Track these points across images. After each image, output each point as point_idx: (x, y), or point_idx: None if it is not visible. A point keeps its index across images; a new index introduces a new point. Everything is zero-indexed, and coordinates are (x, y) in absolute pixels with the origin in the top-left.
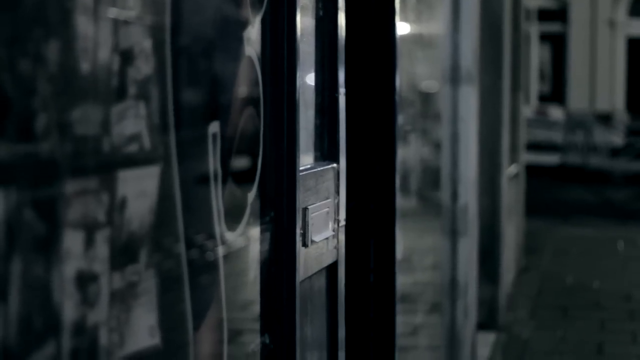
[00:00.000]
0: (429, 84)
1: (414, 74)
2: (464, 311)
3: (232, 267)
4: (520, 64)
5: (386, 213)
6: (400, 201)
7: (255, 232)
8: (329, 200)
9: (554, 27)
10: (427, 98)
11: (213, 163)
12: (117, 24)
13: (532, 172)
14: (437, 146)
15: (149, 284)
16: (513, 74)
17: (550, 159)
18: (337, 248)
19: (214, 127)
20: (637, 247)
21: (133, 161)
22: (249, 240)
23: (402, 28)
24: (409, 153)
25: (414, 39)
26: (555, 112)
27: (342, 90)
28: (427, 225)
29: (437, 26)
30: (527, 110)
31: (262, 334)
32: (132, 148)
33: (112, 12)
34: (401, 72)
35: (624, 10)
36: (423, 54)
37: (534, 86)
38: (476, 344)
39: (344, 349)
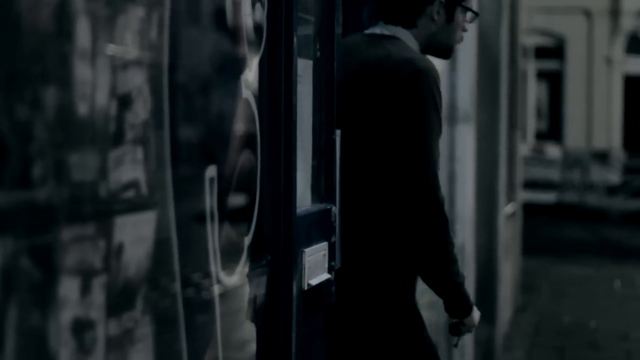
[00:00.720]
0: None
1: None
2: (460, 352)
3: (229, 309)
4: (517, 102)
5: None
6: None
7: (252, 274)
8: (325, 242)
9: (551, 65)
10: None
11: (210, 207)
12: (114, 68)
13: (529, 210)
14: None
15: (145, 330)
16: (510, 112)
17: (547, 197)
18: (334, 291)
19: (211, 171)
20: (635, 286)
21: (130, 206)
22: (245, 283)
23: None
24: None
25: None
26: (552, 150)
27: (338, 132)
28: None
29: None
30: (524, 148)
31: None
32: (129, 193)
33: (110, 56)
34: None
35: (620, 48)
36: None
37: (531, 124)
38: None
39: None
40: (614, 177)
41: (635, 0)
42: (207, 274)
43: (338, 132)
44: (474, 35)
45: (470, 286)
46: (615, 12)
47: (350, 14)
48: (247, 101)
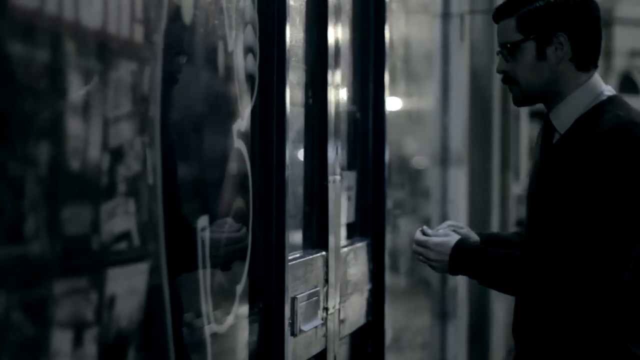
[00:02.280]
0: (419, 160)
1: (404, 150)
2: None
3: (222, 357)
4: (509, 143)
5: (377, 296)
6: (390, 281)
7: (244, 322)
8: (317, 288)
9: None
10: (417, 175)
11: (202, 256)
12: (107, 122)
13: None
14: (426, 223)
15: None
16: (503, 153)
17: None
18: (325, 336)
19: (203, 221)
20: None
21: (122, 258)
22: (237, 331)
23: (393, 103)
24: (399, 234)
25: (405, 115)
26: None
27: (331, 178)
28: (417, 305)
29: (426, 102)
30: (517, 188)
31: None
32: (122, 245)
33: (102, 111)
34: (391, 148)
35: (612, 87)
36: (413, 130)
37: (524, 163)
38: None
39: None
40: None
41: (627, 40)
42: (199, 324)
43: (331, 178)
44: (466, 77)
45: (463, 328)
46: (607, 53)
47: None
48: (239, 150)
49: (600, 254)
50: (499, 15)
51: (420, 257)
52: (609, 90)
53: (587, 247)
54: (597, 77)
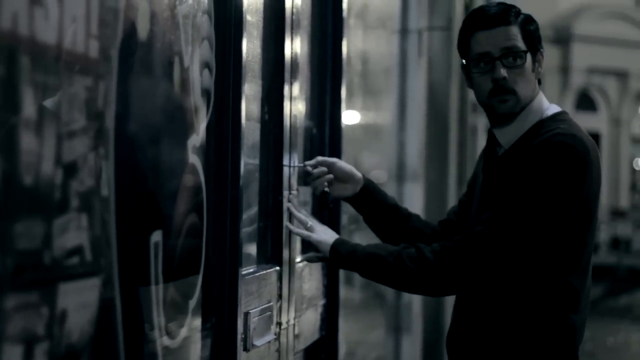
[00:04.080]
0: (376, 175)
1: (361, 165)
2: None
3: None
4: (466, 158)
5: (330, 311)
6: (345, 295)
7: (196, 337)
8: (271, 303)
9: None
10: None
11: (154, 271)
12: (60, 137)
13: None
14: None
15: None
16: (459, 167)
17: None
18: (278, 351)
19: (157, 236)
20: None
21: (74, 273)
22: (190, 344)
23: (350, 117)
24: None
25: (362, 130)
26: None
27: (286, 193)
28: (372, 319)
29: (384, 118)
30: None
31: None
32: (73, 260)
33: (56, 126)
34: (348, 163)
35: (570, 104)
36: (370, 145)
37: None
38: None
39: None
40: None
41: (584, 58)
42: (151, 339)
43: (286, 193)
44: (423, 93)
45: (417, 342)
46: (565, 69)
47: None
48: (193, 165)
49: (489, 238)
50: (498, 20)
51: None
52: (554, 107)
53: (481, 230)
54: (542, 94)
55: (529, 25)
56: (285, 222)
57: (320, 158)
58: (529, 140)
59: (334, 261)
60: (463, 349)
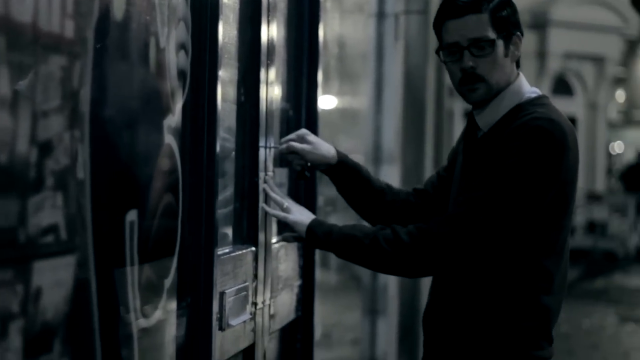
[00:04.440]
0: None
1: (338, 148)
2: None
3: (149, 351)
4: (442, 141)
5: (306, 292)
6: (321, 278)
7: (172, 315)
8: (246, 283)
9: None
10: None
11: (130, 250)
12: (36, 116)
13: None
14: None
15: None
16: (436, 151)
17: None
18: (254, 331)
19: (132, 215)
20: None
21: (49, 251)
22: (165, 323)
23: (327, 102)
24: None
25: (339, 114)
26: None
27: (262, 174)
28: (348, 301)
29: (360, 101)
30: None
31: None
32: (49, 238)
33: (32, 105)
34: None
35: (547, 89)
36: (347, 128)
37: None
38: None
39: None
40: None
41: (561, 42)
42: (126, 317)
43: (262, 174)
44: (400, 77)
45: (393, 325)
46: (542, 54)
47: None
48: (169, 145)
49: (465, 220)
50: (467, 9)
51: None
52: (535, 91)
53: (456, 213)
54: (523, 78)
55: (501, 11)
56: (262, 204)
57: (292, 141)
58: (508, 124)
59: (310, 241)
60: (438, 327)
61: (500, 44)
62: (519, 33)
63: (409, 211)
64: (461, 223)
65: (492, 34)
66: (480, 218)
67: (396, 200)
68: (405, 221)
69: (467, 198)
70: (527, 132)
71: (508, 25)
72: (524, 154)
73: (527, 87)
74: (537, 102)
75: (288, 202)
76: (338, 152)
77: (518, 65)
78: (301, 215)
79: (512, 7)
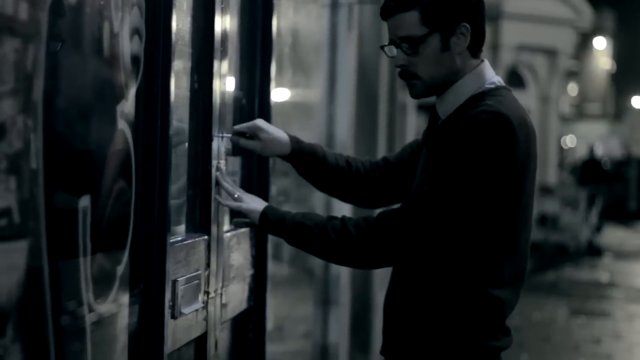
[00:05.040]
0: None
1: None
2: None
3: (101, 337)
4: (395, 133)
5: (258, 282)
6: (273, 270)
7: (124, 303)
8: (199, 272)
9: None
10: None
11: (82, 235)
12: None
13: None
14: (311, 210)
15: (15, 358)
16: (389, 142)
17: None
18: (206, 320)
19: (85, 200)
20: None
21: (1, 235)
22: (117, 311)
23: (280, 94)
24: None
25: (292, 106)
26: None
27: (214, 162)
28: (300, 294)
29: (314, 92)
30: None
31: None
32: (1, 222)
33: None
34: None
35: (503, 80)
36: (300, 118)
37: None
38: None
39: None
40: None
41: (514, 35)
42: (79, 303)
43: (214, 162)
44: (353, 67)
45: (345, 316)
46: (495, 47)
47: None
48: (122, 131)
49: (415, 214)
50: (396, 8)
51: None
52: (497, 80)
53: (406, 208)
54: (486, 66)
55: (435, 5)
56: (214, 195)
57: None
58: (462, 114)
59: (263, 227)
60: (395, 315)
61: (434, 39)
62: (465, 24)
63: (376, 186)
64: (407, 219)
65: (422, 31)
66: (427, 214)
67: (360, 176)
68: (375, 196)
69: (414, 193)
70: (472, 126)
71: (446, 19)
72: (468, 148)
73: (489, 77)
74: (494, 92)
75: (239, 192)
76: (292, 141)
77: (475, 54)
78: (254, 203)
79: (456, 1)
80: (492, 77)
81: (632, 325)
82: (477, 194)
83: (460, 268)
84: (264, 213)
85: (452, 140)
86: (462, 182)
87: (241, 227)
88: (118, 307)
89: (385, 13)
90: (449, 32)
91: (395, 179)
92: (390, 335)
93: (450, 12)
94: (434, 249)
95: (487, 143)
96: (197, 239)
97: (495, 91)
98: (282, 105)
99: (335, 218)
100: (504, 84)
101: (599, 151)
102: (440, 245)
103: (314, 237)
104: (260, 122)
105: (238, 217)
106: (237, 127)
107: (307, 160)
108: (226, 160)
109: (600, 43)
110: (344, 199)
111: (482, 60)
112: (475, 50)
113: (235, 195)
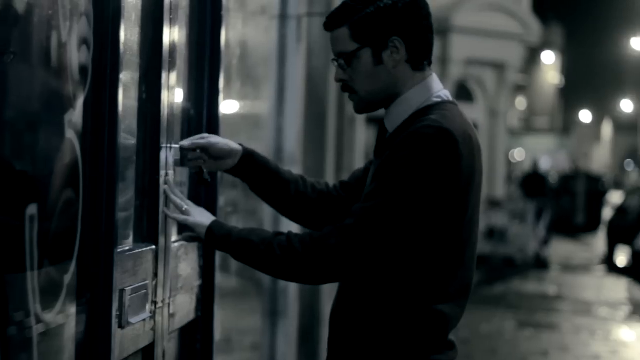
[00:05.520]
0: None
1: None
2: None
3: (48, 348)
4: (344, 146)
5: (206, 292)
6: (221, 281)
7: (71, 312)
8: (146, 282)
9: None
10: None
11: (29, 244)
12: None
13: None
14: (260, 224)
15: None
16: (337, 155)
17: None
18: (153, 330)
19: (32, 209)
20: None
21: None
22: (65, 320)
23: (229, 105)
24: None
25: (241, 117)
26: None
27: (162, 173)
28: (248, 305)
29: (263, 104)
30: None
31: None
32: None
33: None
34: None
35: (451, 93)
36: (249, 131)
37: (360, 166)
38: None
39: None
40: None
41: (463, 49)
42: (25, 312)
43: (162, 172)
44: (302, 80)
45: (293, 328)
46: (443, 60)
47: None
48: (70, 141)
49: (360, 229)
50: (330, 24)
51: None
52: (444, 94)
53: (354, 222)
54: (433, 79)
55: (365, 21)
56: (162, 208)
57: (196, 139)
58: (407, 127)
59: (209, 243)
60: (341, 328)
61: (365, 53)
62: (397, 38)
63: (331, 205)
64: (351, 235)
65: (353, 46)
66: (371, 230)
67: (314, 192)
68: (330, 215)
69: (358, 209)
70: (415, 141)
71: (376, 33)
72: (411, 163)
73: (435, 91)
74: (438, 107)
75: (187, 205)
76: (243, 149)
77: (417, 67)
78: (201, 217)
79: (388, 13)
80: (439, 90)
81: (579, 337)
82: (420, 209)
83: (404, 283)
84: (210, 228)
85: (395, 154)
86: (405, 198)
87: (188, 241)
88: (65, 317)
89: (326, 27)
90: (381, 46)
91: (351, 198)
92: (335, 349)
93: (379, 27)
94: (379, 264)
95: (429, 158)
96: (144, 249)
97: (440, 105)
98: (231, 116)
99: (281, 234)
100: (451, 98)
101: (543, 165)
102: (384, 261)
103: (259, 253)
104: (209, 137)
105: (187, 228)
106: (184, 142)
107: (257, 164)
108: (174, 171)
109: (548, 57)
110: (298, 217)
111: (430, 74)
112: (416, 63)
113: (184, 209)
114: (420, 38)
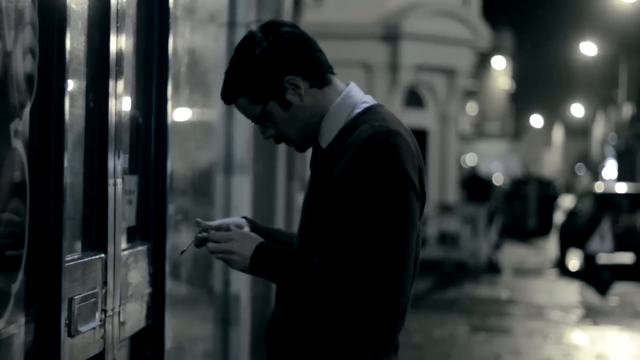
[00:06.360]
0: (207, 170)
1: (189, 157)
2: None
3: None
4: (295, 154)
5: (157, 300)
6: (172, 288)
7: (20, 321)
8: (96, 290)
9: None
10: (200, 181)
11: None
12: None
13: None
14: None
15: None
16: (288, 163)
17: None
18: (103, 338)
19: None
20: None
21: None
22: (13, 330)
23: (179, 113)
24: (181, 240)
25: (191, 125)
26: None
27: (111, 181)
28: (200, 313)
29: (213, 110)
30: (302, 197)
31: None
32: None
33: None
34: (177, 157)
35: (399, 101)
36: (198, 137)
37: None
38: None
39: None
40: None
41: (413, 55)
42: None
43: (111, 181)
44: None
45: (245, 335)
46: (394, 67)
47: None
48: (16, 150)
49: (384, 261)
50: (227, 100)
51: (220, 251)
52: (367, 100)
53: (369, 256)
54: (352, 89)
55: (253, 82)
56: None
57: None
58: (345, 137)
59: (258, 259)
60: (281, 338)
61: (272, 106)
62: (288, 77)
63: None
64: (377, 265)
65: (259, 108)
66: (388, 248)
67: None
68: None
69: (359, 242)
70: (373, 151)
71: (268, 87)
72: (383, 174)
73: (358, 98)
74: (372, 111)
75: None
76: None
77: (323, 84)
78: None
79: (266, 61)
80: (362, 97)
81: (531, 341)
82: (411, 213)
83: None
84: (262, 244)
85: (356, 169)
86: (401, 208)
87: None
88: (13, 326)
89: (226, 103)
90: (281, 92)
91: None
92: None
93: (268, 80)
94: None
95: (396, 161)
96: (93, 258)
97: (372, 110)
98: (180, 124)
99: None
100: (375, 101)
101: (483, 169)
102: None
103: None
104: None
105: (135, 237)
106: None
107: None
108: (122, 178)
109: (499, 63)
110: None
111: (348, 84)
112: (319, 82)
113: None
114: (307, 61)
